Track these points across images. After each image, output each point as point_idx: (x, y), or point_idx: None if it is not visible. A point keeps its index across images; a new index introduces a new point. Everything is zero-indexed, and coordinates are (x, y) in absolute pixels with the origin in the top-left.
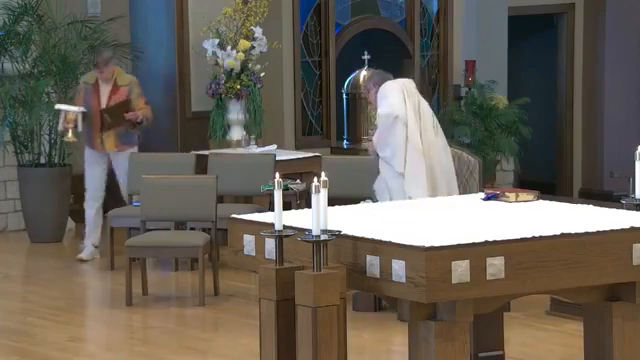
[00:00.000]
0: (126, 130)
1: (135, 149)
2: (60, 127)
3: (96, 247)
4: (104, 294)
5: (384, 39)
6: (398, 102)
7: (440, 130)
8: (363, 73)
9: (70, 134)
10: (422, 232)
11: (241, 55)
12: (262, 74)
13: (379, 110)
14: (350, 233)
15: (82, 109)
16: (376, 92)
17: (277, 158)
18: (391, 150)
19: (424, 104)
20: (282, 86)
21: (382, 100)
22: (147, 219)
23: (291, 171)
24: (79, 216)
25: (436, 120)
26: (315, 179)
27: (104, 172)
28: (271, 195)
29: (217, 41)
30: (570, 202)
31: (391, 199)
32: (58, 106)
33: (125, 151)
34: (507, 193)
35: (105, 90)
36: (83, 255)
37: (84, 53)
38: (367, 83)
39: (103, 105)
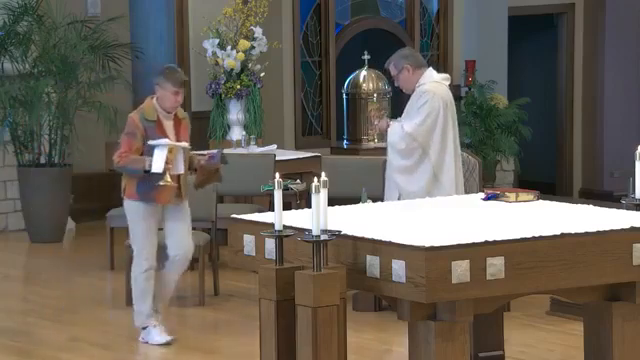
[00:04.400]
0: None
1: None
2: (160, 168)
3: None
4: (104, 294)
5: (384, 39)
6: (427, 128)
7: None
8: (363, 73)
9: (168, 177)
10: (422, 232)
11: (241, 55)
12: (262, 74)
13: (407, 128)
14: (350, 233)
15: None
16: (410, 74)
17: (277, 158)
18: (408, 164)
19: (454, 110)
20: (282, 86)
21: (420, 105)
22: None
23: (291, 171)
24: (79, 216)
25: None
26: (315, 179)
27: None
28: (271, 195)
29: (217, 41)
30: (570, 202)
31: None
32: (159, 141)
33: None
34: (507, 193)
35: (169, 125)
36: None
37: (84, 53)
38: (400, 61)
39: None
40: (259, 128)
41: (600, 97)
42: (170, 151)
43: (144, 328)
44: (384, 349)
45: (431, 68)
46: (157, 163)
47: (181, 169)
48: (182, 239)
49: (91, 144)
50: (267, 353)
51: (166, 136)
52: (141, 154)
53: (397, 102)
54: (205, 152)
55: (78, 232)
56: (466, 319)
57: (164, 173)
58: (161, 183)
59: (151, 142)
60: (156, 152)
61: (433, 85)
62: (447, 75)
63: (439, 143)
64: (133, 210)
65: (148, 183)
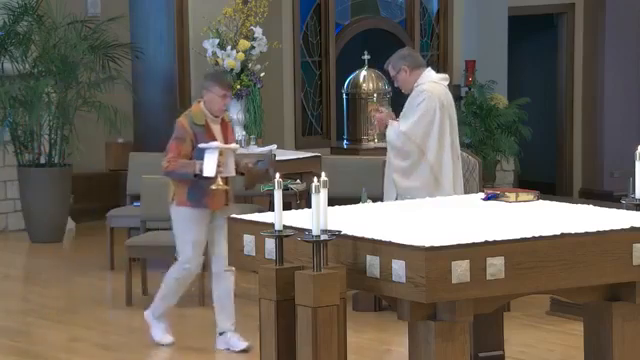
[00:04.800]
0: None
1: None
2: (212, 171)
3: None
4: (104, 294)
5: (384, 39)
6: (423, 128)
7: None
8: (363, 73)
9: (220, 181)
10: (422, 232)
11: (241, 55)
12: (262, 74)
13: (403, 127)
14: (350, 233)
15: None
16: (407, 74)
17: (277, 158)
18: (405, 166)
19: (453, 107)
20: (282, 86)
21: (417, 105)
22: (147, 219)
23: (291, 171)
24: (79, 216)
25: None
26: (315, 179)
27: None
28: (271, 195)
29: (217, 41)
30: (570, 202)
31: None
32: (209, 144)
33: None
34: (507, 193)
35: (216, 129)
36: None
37: (84, 53)
38: (398, 62)
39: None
40: (259, 128)
41: (600, 97)
42: (221, 154)
43: (153, 320)
44: (384, 349)
45: (430, 68)
46: (209, 167)
47: (232, 171)
48: (224, 251)
49: (91, 144)
50: (267, 353)
51: (215, 140)
52: (190, 159)
53: (397, 102)
54: (254, 151)
55: (78, 232)
56: (466, 319)
57: (216, 177)
58: (213, 187)
59: (201, 145)
60: (207, 155)
61: (430, 85)
62: (446, 75)
63: (436, 143)
64: (184, 218)
65: (199, 189)
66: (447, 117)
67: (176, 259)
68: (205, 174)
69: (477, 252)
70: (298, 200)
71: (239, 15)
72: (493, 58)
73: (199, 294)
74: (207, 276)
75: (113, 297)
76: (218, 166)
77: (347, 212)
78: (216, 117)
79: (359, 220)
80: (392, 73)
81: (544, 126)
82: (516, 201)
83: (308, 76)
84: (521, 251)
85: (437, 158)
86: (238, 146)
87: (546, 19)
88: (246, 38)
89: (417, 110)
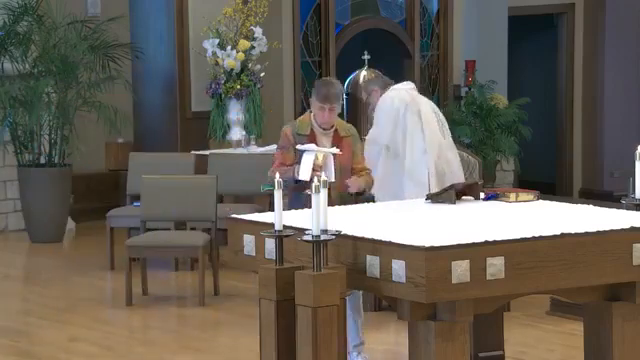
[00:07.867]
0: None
1: None
2: (306, 175)
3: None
4: (104, 294)
5: (384, 39)
6: (386, 131)
7: (447, 130)
8: (363, 73)
9: None
10: (422, 232)
11: (241, 55)
12: (262, 74)
13: (368, 135)
14: (350, 233)
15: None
16: (379, 95)
17: None
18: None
19: (425, 107)
20: (282, 86)
21: (376, 117)
22: (147, 219)
23: None
24: (79, 216)
25: (442, 119)
26: (315, 179)
27: None
28: (271, 195)
29: (217, 41)
30: (570, 202)
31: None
32: (306, 146)
33: None
34: (507, 193)
35: (325, 142)
36: None
37: (84, 53)
38: (368, 85)
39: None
40: (259, 128)
41: (600, 97)
42: (318, 157)
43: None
44: (384, 349)
45: (399, 84)
46: (303, 170)
47: (332, 177)
48: None
49: (91, 144)
50: (267, 353)
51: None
52: None
53: None
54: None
55: (78, 232)
56: (466, 319)
57: (311, 181)
58: (308, 192)
59: (299, 147)
60: (303, 158)
61: (389, 93)
62: (408, 82)
63: (401, 143)
64: None
65: (300, 196)
66: (418, 117)
67: None
68: (300, 178)
69: (477, 252)
70: None
71: (239, 15)
72: (493, 58)
73: (199, 294)
74: (209, 275)
75: (113, 297)
76: (314, 170)
77: (347, 212)
78: (324, 129)
79: (359, 220)
80: (366, 98)
81: (544, 126)
82: (516, 201)
83: (308, 76)
84: (521, 251)
85: (410, 157)
86: (338, 150)
87: (546, 19)
88: (246, 38)
89: (377, 114)
